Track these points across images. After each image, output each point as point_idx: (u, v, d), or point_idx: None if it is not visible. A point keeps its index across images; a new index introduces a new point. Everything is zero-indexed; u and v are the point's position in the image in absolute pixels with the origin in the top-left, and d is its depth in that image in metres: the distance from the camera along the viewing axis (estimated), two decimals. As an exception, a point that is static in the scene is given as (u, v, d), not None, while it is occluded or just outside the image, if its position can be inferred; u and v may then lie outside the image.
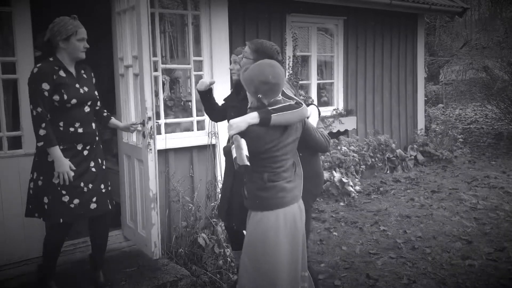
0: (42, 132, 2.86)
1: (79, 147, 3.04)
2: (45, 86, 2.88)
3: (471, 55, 12.82)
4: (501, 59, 10.10)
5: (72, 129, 3.00)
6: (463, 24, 16.57)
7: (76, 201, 2.98)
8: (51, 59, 2.99)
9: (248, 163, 2.31)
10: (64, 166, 2.91)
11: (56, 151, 2.90)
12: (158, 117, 4.45)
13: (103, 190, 3.14)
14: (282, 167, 2.49)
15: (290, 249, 2.48)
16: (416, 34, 7.89)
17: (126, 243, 4.05)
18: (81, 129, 3.03)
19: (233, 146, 2.36)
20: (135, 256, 3.81)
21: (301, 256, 2.60)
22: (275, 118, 2.42)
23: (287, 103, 2.50)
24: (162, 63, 4.51)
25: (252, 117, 2.41)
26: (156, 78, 4.51)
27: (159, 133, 4.39)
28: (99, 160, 3.17)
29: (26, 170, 3.28)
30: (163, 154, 4.23)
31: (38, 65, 2.93)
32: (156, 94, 4.57)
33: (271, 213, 2.44)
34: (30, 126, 3.06)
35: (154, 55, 4.42)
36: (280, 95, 2.52)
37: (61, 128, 2.97)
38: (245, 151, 2.34)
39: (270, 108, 2.43)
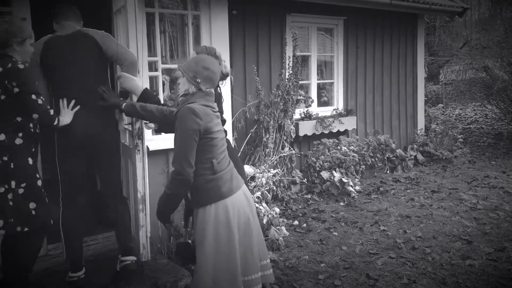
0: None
1: None
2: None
3: (471, 55, 12.80)
4: (501, 59, 10.09)
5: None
6: (463, 24, 16.59)
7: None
8: (13, 59, 2.74)
9: None
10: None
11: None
12: (158, 117, 4.44)
13: None
14: (223, 153, 2.56)
15: (242, 239, 2.52)
16: (416, 34, 7.90)
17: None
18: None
19: None
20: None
21: (259, 244, 2.67)
22: None
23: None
24: (162, 63, 4.51)
25: None
26: (156, 78, 4.52)
27: (159, 133, 4.38)
28: None
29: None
30: (163, 154, 4.23)
31: (20, 62, 2.74)
32: (157, 94, 4.57)
33: (219, 204, 2.47)
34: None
35: (154, 55, 4.42)
36: (213, 90, 2.58)
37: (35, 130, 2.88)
38: None
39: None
